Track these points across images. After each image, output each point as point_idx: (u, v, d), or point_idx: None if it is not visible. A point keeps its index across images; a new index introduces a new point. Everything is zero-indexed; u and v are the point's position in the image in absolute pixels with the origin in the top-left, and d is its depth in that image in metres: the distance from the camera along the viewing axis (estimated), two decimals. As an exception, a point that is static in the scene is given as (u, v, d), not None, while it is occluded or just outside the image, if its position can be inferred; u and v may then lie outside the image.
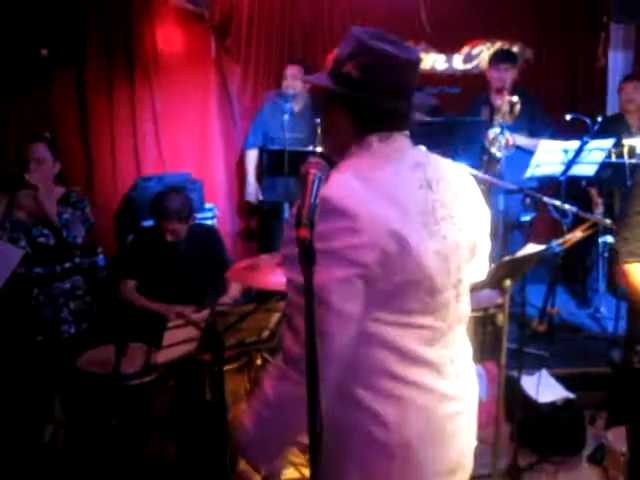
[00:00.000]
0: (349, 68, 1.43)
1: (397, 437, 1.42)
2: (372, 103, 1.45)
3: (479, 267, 1.68)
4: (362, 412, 1.43)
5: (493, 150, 4.26)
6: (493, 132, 4.27)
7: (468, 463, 1.60)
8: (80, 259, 3.22)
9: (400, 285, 1.39)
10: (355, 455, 1.45)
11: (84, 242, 3.20)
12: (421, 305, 1.44)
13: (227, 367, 2.69)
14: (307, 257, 1.18)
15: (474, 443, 1.62)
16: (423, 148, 3.31)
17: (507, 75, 4.50)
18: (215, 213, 4.92)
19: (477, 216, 1.61)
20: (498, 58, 4.63)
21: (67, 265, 3.19)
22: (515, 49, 5.53)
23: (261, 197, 4.97)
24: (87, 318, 3.29)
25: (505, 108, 4.20)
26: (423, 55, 5.66)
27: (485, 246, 1.68)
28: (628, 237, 2.24)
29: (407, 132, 1.53)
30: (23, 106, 4.58)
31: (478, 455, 3.27)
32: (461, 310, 1.56)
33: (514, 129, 4.33)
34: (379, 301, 1.39)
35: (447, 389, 1.50)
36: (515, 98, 4.20)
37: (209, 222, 4.72)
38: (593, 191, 4.73)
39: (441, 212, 1.47)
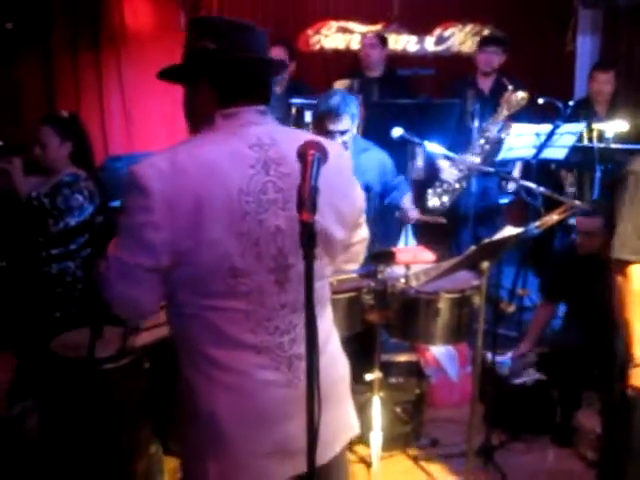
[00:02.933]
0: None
1: (206, 408, 1.49)
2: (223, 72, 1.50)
3: (340, 253, 1.63)
4: (185, 382, 1.54)
5: (487, 135, 4.25)
6: (495, 128, 4.26)
7: (298, 451, 1.43)
8: (75, 245, 3.16)
9: (201, 266, 1.40)
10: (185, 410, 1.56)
11: (68, 227, 3.11)
12: (225, 287, 1.43)
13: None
14: (309, 239, 1.16)
15: (320, 435, 1.30)
16: (400, 130, 3.35)
17: (494, 59, 4.55)
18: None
19: (337, 204, 1.53)
20: (486, 41, 4.67)
21: (54, 252, 3.12)
22: (486, 32, 5.56)
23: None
24: (77, 304, 3.20)
25: (514, 101, 4.20)
26: (395, 36, 5.65)
27: (349, 231, 1.64)
28: (621, 231, 2.09)
29: (261, 108, 1.52)
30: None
31: (451, 434, 3.25)
32: (291, 297, 1.50)
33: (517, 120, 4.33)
34: (190, 285, 1.43)
35: (271, 376, 1.49)
36: (525, 94, 4.20)
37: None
38: (563, 173, 4.78)
39: (272, 195, 1.44)
